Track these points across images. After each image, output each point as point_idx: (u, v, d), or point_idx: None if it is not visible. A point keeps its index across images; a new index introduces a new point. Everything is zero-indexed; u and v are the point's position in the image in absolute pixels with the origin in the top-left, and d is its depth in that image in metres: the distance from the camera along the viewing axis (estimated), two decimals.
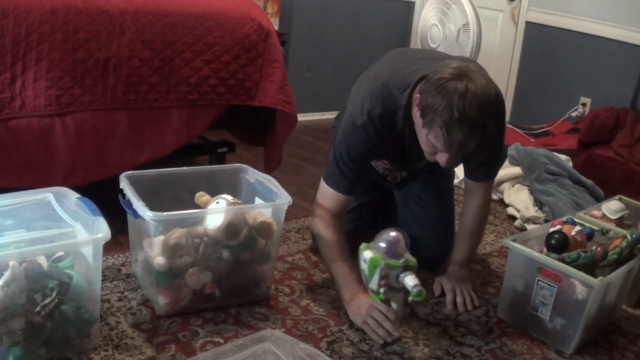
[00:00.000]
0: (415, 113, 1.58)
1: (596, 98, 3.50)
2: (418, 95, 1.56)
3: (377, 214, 2.22)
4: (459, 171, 3.00)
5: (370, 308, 1.64)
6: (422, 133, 1.57)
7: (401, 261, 1.53)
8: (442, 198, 2.09)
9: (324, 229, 1.78)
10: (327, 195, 1.79)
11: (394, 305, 1.61)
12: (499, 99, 1.54)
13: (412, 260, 1.56)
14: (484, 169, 1.86)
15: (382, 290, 1.53)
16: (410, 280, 1.51)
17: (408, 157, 1.83)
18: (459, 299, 1.86)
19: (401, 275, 1.53)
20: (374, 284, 1.54)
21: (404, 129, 1.70)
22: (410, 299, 1.53)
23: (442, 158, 1.57)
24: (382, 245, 1.54)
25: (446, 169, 2.12)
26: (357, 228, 2.09)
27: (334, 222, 1.79)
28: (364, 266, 1.55)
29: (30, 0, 1.91)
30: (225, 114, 2.34)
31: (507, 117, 3.87)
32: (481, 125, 1.46)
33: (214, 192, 1.75)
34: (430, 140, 1.54)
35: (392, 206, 2.18)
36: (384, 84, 1.68)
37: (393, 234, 1.55)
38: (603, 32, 3.44)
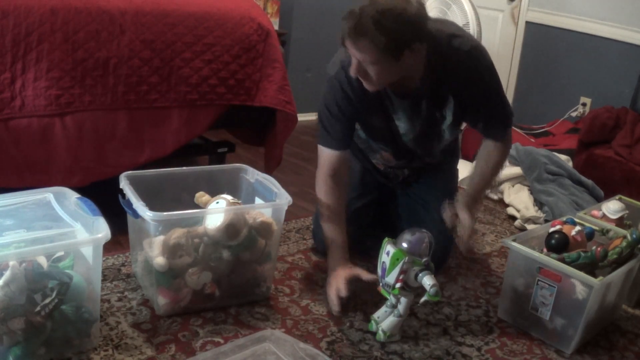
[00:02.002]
0: None
1: (596, 98, 3.50)
2: None
3: (381, 217, 2.22)
4: (462, 171, 3.01)
5: (334, 282, 1.76)
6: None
7: (423, 260, 1.56)
8: (447, 199, 2.09)
9: (322, 192, 1.87)
10: (321, 156, 1.87)
11: (401, 305, 1.62)
12: (408, 14, 1.55)
13: (432, 263, 1.59)
14: (491, 121, 1.86)
15: (398, 285, 1.55)
16: (428, 280, 1.54)
17: (386, 112, 1.83)
18: (461, 231, 1.83)
19: (420, 274, 1.55)
20: (391, 277, 1.56)
21: None
22: (425, 298, 1.55)
23: (353, 66, 1.61)
24: (407, 242, 1.58)
25: (449, 169, 2.12)
26: (360, 228, 2.09)
27: (332, 185, 1.86)
28: (386, 259, 1.57)
29: (30, 0, 1.91)
30: (225, 114, 2.34)
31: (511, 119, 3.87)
32: (374, 16, 1.50)
33: (214, 192, 1.75)
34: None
35: (396, 208, 2.18)
36: None
37: (418, 233, 1.59)
38: (603, 32, 3.44)
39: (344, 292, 1.73)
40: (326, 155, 1.85)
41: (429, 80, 1.73)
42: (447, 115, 1.83)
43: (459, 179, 2.95)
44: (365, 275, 1.76)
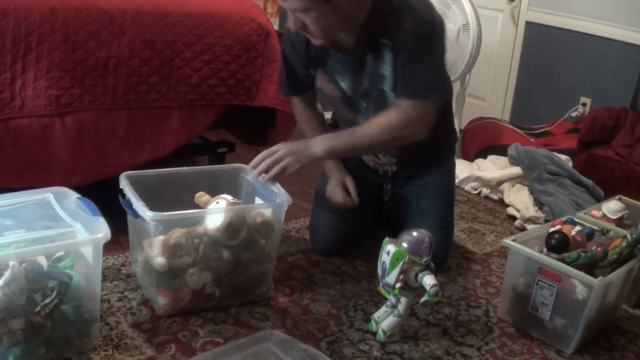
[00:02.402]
0: None
1: (596, 98, 3.50)
2: None
3: (380, 217, 2.22)
4: (459, 172, 3.01)
5: (335, 181, 1.97)
6: None
7: (424, 260, 1.56)
8: (443, 198, 2.08)
9: (296, 106, 2.10)
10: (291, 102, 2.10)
11: (401, 305, 1.62)
12: None
13: (432, 263, 1.59)
14: (411, 81, 1.72)
15: (398, 285, 1.55)
16: (428, 280, 1.54)
17: (329, 63, 1.86)
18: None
19: (420, 274, 1.55)
20: (392, 277, 1.55)
21: None
22: (425, 298, 1.54)
23: (290, 21, 1.68)
24: (407, 242, 1.58)
25: (444, 168, 2.11)
26: (355, 229, 2.09)
27: (295, 100, 2.09)
28: (386, 258, 1.57)
29: (30, 0, 1.91)
30: (225, 114, 2.34)
31: (507, 117, 3.87)
32: None
33: (214, 192, 1.75)
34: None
35: (394, 208, 2.18)
36: None
37: (418, 233, 1.59)
38: (603, 32, 3.44)
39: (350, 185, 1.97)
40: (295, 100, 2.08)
41: (369, 32, 1.72)
42: (386, 72, 1.77)
43: (460, 179, 2.96)
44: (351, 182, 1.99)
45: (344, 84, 1.87)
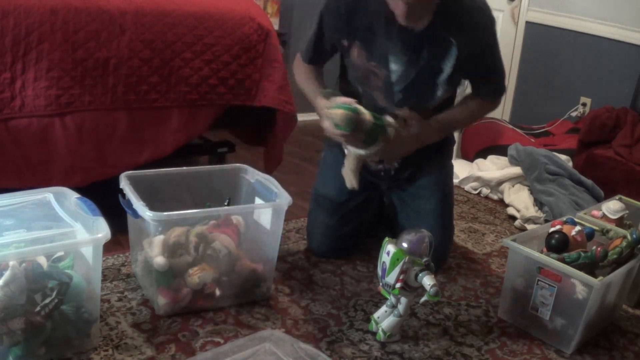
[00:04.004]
0: None
1: (596, 98, 3.50)
2: None
3: (380, 217, 2.22)
4: (462, 171, 3.01)
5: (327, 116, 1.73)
6: None
7: (424, 260, 1.56)
8: (442, 198, 2.08)
9: (299, 69, 2.02)
10: (299, 64, 2.02)
11: (401, 305, 1.62)
12: None
13: (432, 263, 1.59)
14: (486, 80, 1.92)
15: (398, 285, 1.55)
16: (428, 280, 1.54)
17: (380, 40, 1.80)
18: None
19: (420, 274, 1.55)
20: (391, 278, 1.55)
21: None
22: (425, 298, 1.54)
23: (397, 9, 1.65)
24: (407, 242, 1.58)
25: (442, 168, 2.11)
26: (352, 230, 2.09)
27: (306, 65, 2.00)
28: (386, 258, 1.57)
29: (30, 0, 1.91)
30: (225, 114, 2.34)
31: (507, 117, 3.87)
32: None
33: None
34: None
35: (393, 209, 2.18)
36: None
37: (418, 233, 1.59)
38: (603, 32, 3.44)
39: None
40: (303, 65, 2.01)
41: (439, 21, 1.74)
42: (446, 67, 1.81)
43: (460, 179, 2.96)
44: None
45: (394, 66, 1.83)
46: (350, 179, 1.81)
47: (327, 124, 1.71)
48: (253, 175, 1.93)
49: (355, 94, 1.88)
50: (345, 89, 1.95)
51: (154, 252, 1.62)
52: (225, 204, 1.87)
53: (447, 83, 1.85)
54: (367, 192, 2.09)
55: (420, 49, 1.78)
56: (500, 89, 1.98)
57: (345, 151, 1.86)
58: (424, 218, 2.01)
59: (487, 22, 1.80)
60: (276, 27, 3.53)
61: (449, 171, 2.16)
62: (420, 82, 1.84)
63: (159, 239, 1.62)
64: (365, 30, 1.80)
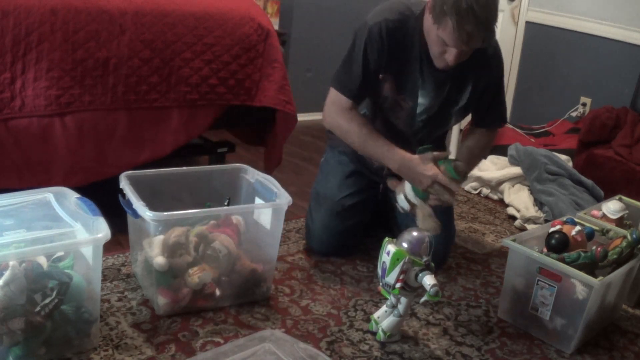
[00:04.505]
0: (427, 16, 1.74)
1: (596, 98, 3.50)
2: (430, 0, 1.72)
3: (380, 217, 2.22)
4: None
5: (434, 172, 1.76)
6: (432, 33, 1.72)
7: (424, 260, 1.56)
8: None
9: (345, 117, 1.87)
10: (335, 98, 1.89)
11: (401, 305, 1.62)
12: (496, 11, 1.70)
13: (432, 263, 1.59)
14: (492, 112, 2.02)
15: (398, 285, 1.55)
16: (428, 280, 1.54)
17: (413, 77, 1.87)
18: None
19: (420, 274, 1.55)
20: (391, 277, 1.55)
21: (413, 37, 1.82)
22: (425, 298, 1.55)
23: (450, 55, 1.71)
24: (407, 242, 1.58)
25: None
26: (350, 227, 2.09)
27: (353, 112, 1.88)
28: (386, 258, 1.57)
29: (30, 0, 1.91)
30: (225, 114, 2.34)
31: (507, 117, 3.87)
32: (486, 19, 1.63)
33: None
34: (440, 36, 1.69)
35: (392, 210, 2.19)
36: (401, 0, 1.86)
37: (418, 233, 1.60)
38: (603, 32, 3.44)
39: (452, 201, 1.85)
40: (341, 99, 1.87)
41: (465, 63, 1.83)
42: (462, 100, 1.96)
43: None
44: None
45: (422, 100, 1.94)
46: (432, 224, 1.80)
47: (440, 177, 1.75)
48: (253, 175, 1.93)
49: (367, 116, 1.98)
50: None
51: (154, 252, 1.62)
52: (225, 204, 1.87)
53: (459, 114, 2.03)
54: (366, 191, 2.10)
55: (445, 85, 1.92)
56: (504, 119, 2.10)
57: (405, 202, 1.89)
58: None
59: (499, 62, 1.97)
60: (276, 27, 3.53)
61: None
62: (439, 114, 1.98)
63: (159, 239, 1.61)
64: (401, 66, 1.86)
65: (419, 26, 1.80)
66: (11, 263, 1.31)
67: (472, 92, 1.93)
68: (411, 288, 1.59)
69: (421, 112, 1.96)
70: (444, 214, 2.07)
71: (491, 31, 1.70)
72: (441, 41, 1.71)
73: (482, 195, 2.91)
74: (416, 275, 1.56)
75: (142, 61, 2.09)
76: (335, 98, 1.89)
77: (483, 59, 1.88)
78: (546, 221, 2.45)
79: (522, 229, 2.50)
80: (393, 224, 2.16)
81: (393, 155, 1.83)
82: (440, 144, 2.15)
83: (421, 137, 2.02)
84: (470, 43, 1.67)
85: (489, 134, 2.07)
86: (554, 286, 1.67)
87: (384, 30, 1.80)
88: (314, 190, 2.17)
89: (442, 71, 1.85)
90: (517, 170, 2.86)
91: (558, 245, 1.75)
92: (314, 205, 2.13)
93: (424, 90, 1.91)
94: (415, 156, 1.81)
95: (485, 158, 2.19)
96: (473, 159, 2.04)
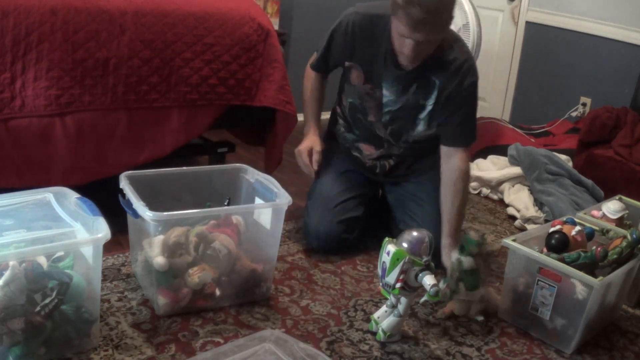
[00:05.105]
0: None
1: (596, 98, 3.50)
2: None
3: (380, 217, 2.23)
4: None
5: (302, 154, 2.10)
6: (393, 29, 1.80)
7: (424, 260, 1.56)
8: (439, 195, 2.09)
9: (308, 76, 2.23)
10: (308, 75, 2.23)
11: (401, 305, 1.62)
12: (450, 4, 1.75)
13: (432, 263, 1.59)
14: (460, 129, 1.98)
15: (398, 285, 1.55)
16: (428, 280, 1.54)
17: (378, 70, 1.96)
18: None
19: (420, 274, 1.55)
20: (391, 277, 1.55)
21: (383, 34, 1.91)
22: (425, 298, 1.55)
23: (407, 47, 1.77)
24: (407, 242, 1.58)
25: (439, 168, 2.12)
26: (348, 223, 2.10)
27: (319, 78, 2.22)
28: (386, 258, 1.57)
29: (30, 0, 1.91)
30: (225, 114, 2.34)
31: (507, 117, 3.87)
32: (435, 8, 1.68)
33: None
34: (397, 29, 1.77)
35: (387, 213, 2.20)
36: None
37: (418, 233, 1.59)
38: (603, 32, 3.44)
39: (317, 150, 2.10)
40: (311, 72, 2.21)
41: (428, 65, 1.88)
42: (428, 104, 1.97)
43: None
44: (318, 149, 2.11)
45: (386, 92, 1.98)
46: (474, 309, 1.81)
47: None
48: (253, 175, 1.93)
49: (350, 109, 2.11)
50: (340, 104, 2.19)
51: (154, 252, 1.62)
52: (225, 204, 1.87)
53: (428, 121, 2.01)
54: (361, 187, 2.15)
55: (409, 85, 1.96)
56: (472, 138, 2.03)
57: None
58: (423, 218, 2.02)
59: (471, 78, 1.93)
60: (276, 27, 3.53)
61: None
62: (405, 112, 2.01)
63: (159, 239, 1.61)
64: (367, 58, 1.96)
65: (389, 28, 1.87)
66: (11, 263, 1.31)
67: (437, 97, 1.94)
68: (411, 288, 1.59)
69: (387, 103, 2.00)
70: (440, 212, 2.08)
71: (442, 20, 1.73)
72: (398, 33, 1.77)
73: (482, 195, 2.91)
74: (416, 275, 1.56)
75: (142, 61, 2.09)
76: (310, 61, 2.23)
77: (452, 67, 1.90)
78: (546, 221, 2.45)
79: (522, 229, 2.50)
80: (392, 224, 2.16)
81: (306, 125, 2.19)
82: (434, 163, 2.10)
83: (392, 132, 2.06)
84: (419, 29, 1.70)
85: (462, 156, 1.98)
86: (554, 286, 1.67)
87: (355, 23, 1.95)
88: (310, 189, 2.21)
89: (402, 70, 1.91)
90: (517, 170, 2.86)
91: (558, 245, 1.75)
92: (311, 202, 2.16)
93: (387, 84, 1.97)
94: (314, 137, 2.13)
95: (466, 199, 2.09)
96: (457, 207, 1.98)
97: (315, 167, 2.11)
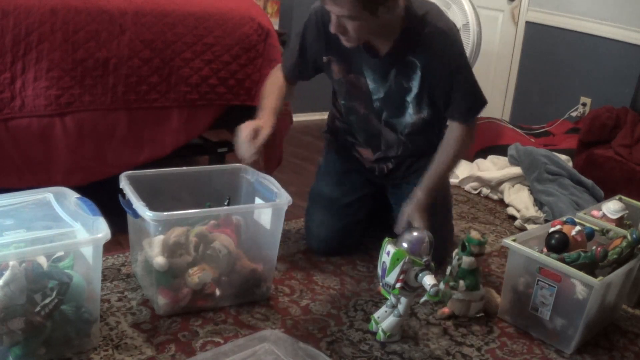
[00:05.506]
0: None
1: (596, 98, 3.50)
2: None
3: (380, 217, 2.22)
4: (459, 172, 3.01)
5: (244, 128, 1.78)
6: None
7: (424, 260, 1.56)
8: (439, 196, 2.08)
9: (274, 76, 2.02)
10: (276, 73, 2.02)
11: (401, 305, 1.62)
12: None
13: (432, 263, 1.59)
14: (457, 105, 1.85)
15: (398, 285, 1.54)
16: (428, 280, 1.54)
17: (355, 57, 1.87)
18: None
19: (420, 274, 1.55)
20: (392, 277, 1.55)
21: None
22: (425, 298, 1.55)
23: (333, 23, 1.67)
24: (407, 242, 1.58)
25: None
26: (349, 225, 2.09)
27: (279, 75, 2.01)
28: (386, 258, 1.57)
29: (30, 0, 1.91)
30: (225, 114, 2.34)
31: (507, 117, 3.87)
32: None
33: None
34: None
35: (387, 213, 2.19)
36: None
37: (418, 233, 1.60)
38: (603, 32, 3.44)
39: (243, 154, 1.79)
40: (278, 72, 2.01)
41: (401, 46, 1.79)
42: (413, 87, 1.87)
43: (460, 179, 2.96)
44: (265, 131, 1.81)
45: (370, 81, 1.90)
46: (474, 309, 1.80)
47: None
48: (253, 175, 1.93)
49: (345, 111, 2.05)
50: (339, 111, 2.09)
51: (154, 252, 1.62)
52: (225, 204, 1.87)
53: (417, 103, 1.90)
54: (363, 189, 2.13)
55: (388, 70, 1.86)
56: (473, 110, 1.90)
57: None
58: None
59: (450, 45, 1.79)
60: (276, 27, 3.53)
61: None
62: (392, 98, 1.92)
63: (159, 239, 1.61)
64: (341, 47, 1.83)
65: None
66: (11, 263, 1.31)
67: (423, 78, 1.83)
68: (411, 288, 1.59)
69: (373, 91, 1.92)
70: (441, 214, 2.07)
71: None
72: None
73: (482, 195, 2.91)
74: (416, 275, 1.56)
75: (142, 61, 2.09)
76: (276, 70, 2.04)
77: (429, 42, 1.77)
78: (546, 221, 2.45)
79: (522, 229, 2.50)
80: (392, 224, 2.16)
81: (260, 111, 1.91)
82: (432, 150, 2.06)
83: (386, 122, 1.98)
84: (326, 1, 1.62)
85: (458, 137, 1.89)
86: (554, 286, 1.67)
87: (325, 14, 1.79)
88: (311, 191, 2.19)
89: (376, 55, 1.82)
90: (517, 170, 2.86)
91: (558, 245, 1.75)
92: (312, 204, 2.15)
93: (369, 72, 1.89)
94: (267, 119, 1.85)
95: (462, 155, 1.97)
96: (440, 174, 1.91)
97: (255, 149, 1.78)
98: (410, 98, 1.90)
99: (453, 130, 1.90)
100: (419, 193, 1.85)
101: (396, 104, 1.94)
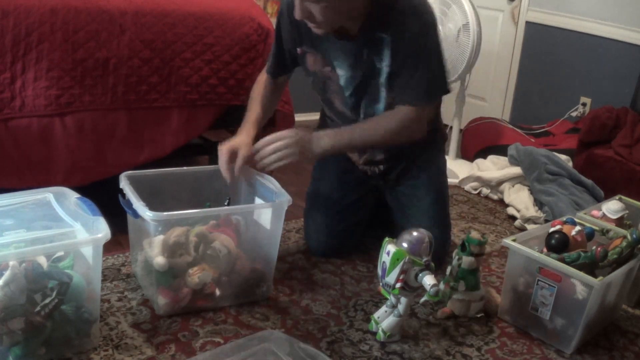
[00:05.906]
0: None
1: (596, 98, 3.50)
2: None
3: (380, 217, 2.22)
4: (459, 171, 3.01)
5: (221, 152, 1.78)
6: None
7: (424, 260, 1.56)
8: (437, 196, 2.09)
9: (260, 83, 2.04)
10: (261, 75, 2.06)
11: (401, 305, 1.62)
12: None
13: (432, 263, 1.59)
14: (413, 86, 1.76)
15: (398, 285, 1.55)
16: (428, 280, 1.54)
17: (327, 47, 1.83)
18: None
19: (420, 274, 1.55)
20: (391, 277, 1.55)
21: None
22: (425, 298, 1.55)
23: (297, 5, 1.64)
24: (407, 242, 1.57)
25: (434, 166, 2.10)
26: (348, 228, 2.09)
27: (265, 79, 2.03)
28: (386, 258, 1.57)
29: (30, 0, 1.91)
30: (225, 114, 2.34)
31: (507, 117, 3.87)
32: None
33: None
34: None
35: (387, 213, 2.19)
36: None
37: (418, 233, 1.59)
38: (603, 32, 3.44)
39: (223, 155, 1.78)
40: (264, 75, 2.04)
41: (371, 23, 1.74)
42: (384, 66, 1.79)
43: (460, 179, 2.96)
44: (243, 152, 1.79)
45: (340, 71, 1.87)
46: (474, 309, 1.80)
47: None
48: (253, 175, 1.92)
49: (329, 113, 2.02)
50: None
51: (154, 252, 1.62)
52: (225, 204, 1.87)
53: (388, 85, 1.82)
54: (361, 190, 2.12)
55: (360, 51, 1.80)
56: (428, 93, 1.79)
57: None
58: (420, 217, 2.01)
59: (420, 22, 1.71)
60: None
61: (441, 167, 2.16)
62: (366, 84, 1.85)
63: (159, 239, 1.61)
64: (313, 36, 1.80)
65: None
66: (11, 263, 1.31)
67: (393, 56, 1.75)
68: (411, 288, 1.59)
69: (345, 84, 1.87)
70: (438, 211, 2.07)
71: None
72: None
73: (482, 195, 2.91)
74: (416, 275, 1.56)
75: (142, 61, 2.09)
76: (261, 74, 2.06)
77: (398, 15, 1.70)
78: (546, 221, 2.45)
79: (522, 229, 2.50)
80: (391, 224, 2.16)
81: (242, 126, 1.93)
82: (427, 163, 2.06)
83: (365, 116, 1.91)
84: None
85: (405, 109, 1.77)
86: (554, 286, 1.67)
87: (290, 5, 1.75)
88: (308, 193, 2.18)
89: (345, 37, 1.76)
90: (517, 170, 2.86)
91: (558, 245, 1.75)
92: (311, 206, 2.14)
93: (338, 61, 1.83)
94: (244, 138, 1.84)
95: (394, 137, 1.83)
96: (360, 129, 1.84)
97: (236, 172, 1.79)
98: (382, 80, 1.82)
99: (399, 110, 1.79)
100: (321, 137, 1.80)
101: (370, 90, 1.86)
